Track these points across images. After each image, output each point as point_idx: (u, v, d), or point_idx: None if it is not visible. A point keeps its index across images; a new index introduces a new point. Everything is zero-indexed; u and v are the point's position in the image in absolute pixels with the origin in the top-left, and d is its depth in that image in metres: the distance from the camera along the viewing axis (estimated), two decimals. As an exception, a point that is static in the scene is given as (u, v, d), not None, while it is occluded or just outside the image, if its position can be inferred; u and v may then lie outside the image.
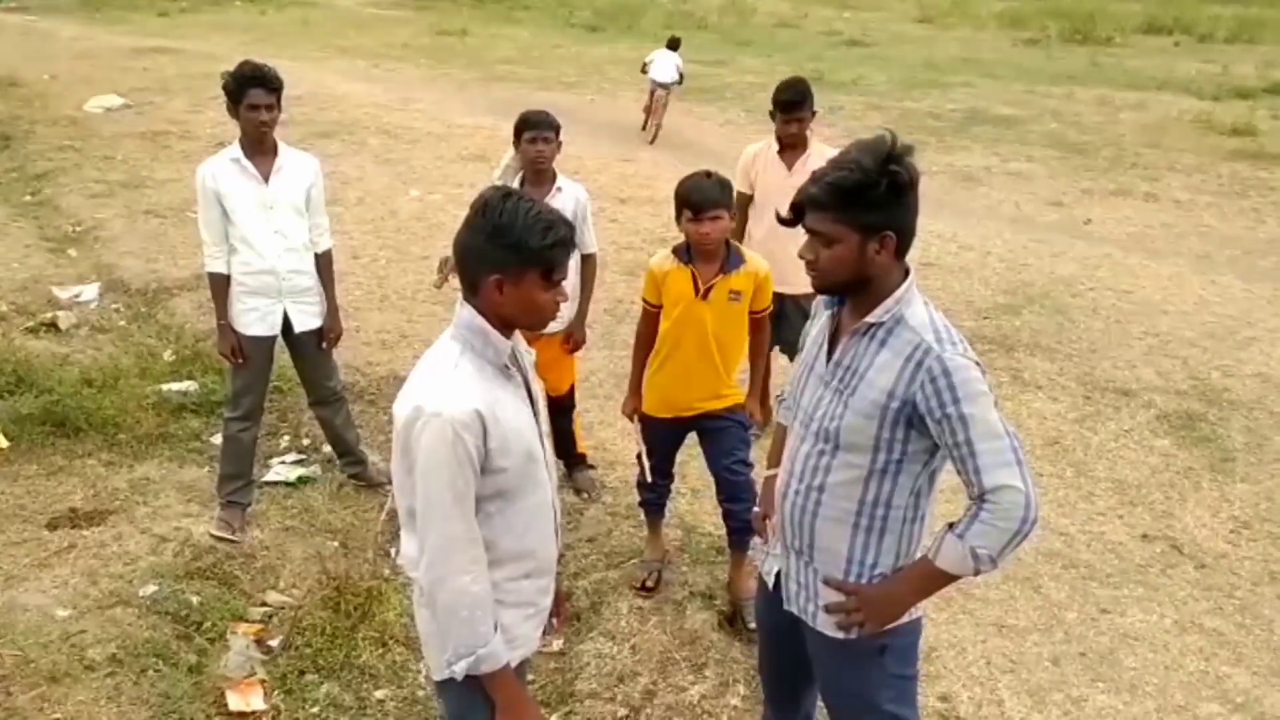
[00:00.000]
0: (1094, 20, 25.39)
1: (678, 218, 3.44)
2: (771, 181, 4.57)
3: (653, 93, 13.12)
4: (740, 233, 4.67)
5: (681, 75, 13.23)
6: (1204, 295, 7.37)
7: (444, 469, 1.94)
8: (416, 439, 1.94)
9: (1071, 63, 20.22)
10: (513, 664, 2.15)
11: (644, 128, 13.22)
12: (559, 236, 1.99)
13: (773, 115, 4.61)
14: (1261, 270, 8.34)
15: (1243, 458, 5.04)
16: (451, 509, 1.96)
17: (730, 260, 3.46)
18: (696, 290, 3.45)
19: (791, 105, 4.53)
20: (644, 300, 3.67)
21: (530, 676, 3.23)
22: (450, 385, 1.97)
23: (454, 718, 2.32)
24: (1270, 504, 4.65)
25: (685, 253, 3.49)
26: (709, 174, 3.40)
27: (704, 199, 3.33)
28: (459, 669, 2.04)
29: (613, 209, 8.75)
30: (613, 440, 4.94)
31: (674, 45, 13.58)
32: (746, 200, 4.68)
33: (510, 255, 1.97)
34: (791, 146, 4.61)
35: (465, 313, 2.04)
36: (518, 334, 2.15)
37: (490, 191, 2.04)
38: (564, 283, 2.08)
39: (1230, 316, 6.92)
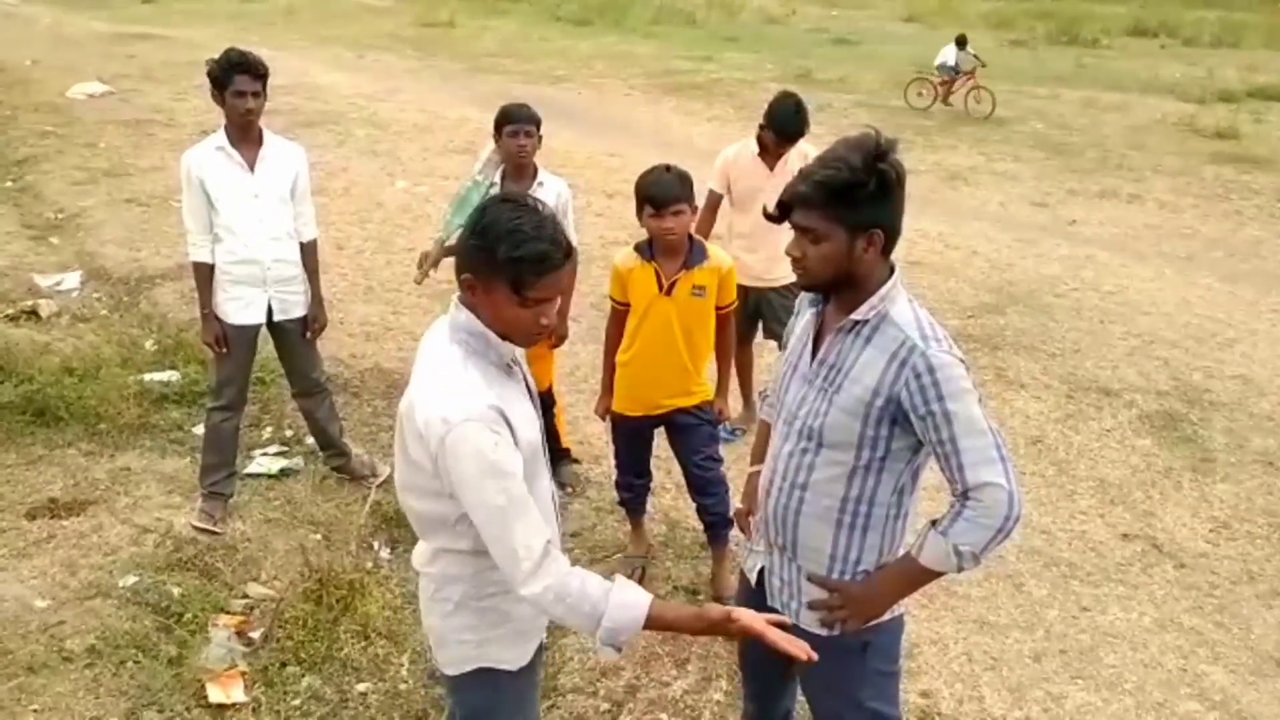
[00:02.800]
0: (1080, 22, 25.57)
1: (639, 213, 3.42)
2: (753, 182, 4.54)
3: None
4: (706, 231, 4.67)
5: (950, 64, 15.53)
6: (1186, 297, 7.42)
7: (494, 475, 1.90)
8: (454, 451, 1.89)
9: (1058, 64, 20.32)
10: (524, 659, 2.21)
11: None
12: (529, 251, 1.90)
13: (763, 128, 4.52)
14: (1243, 272, 8.41)
15: (1223, 458, 5.08)
16: (505, 516, 1.91)
17: (693, 255, 3.45)
18: (660, 286, 3.45)
19: (795, 137, 4.46)
20: (611, 299, 3.67)
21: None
22: (467, 388, 1.95)
23: (474, 713, 2.31)
24: (1249, 504, 4.69)
25: (648, 249, 3.48)
26: (668, 168, 3.39)
27: (665, 194, 3.32)
28: (614, 651, 1.97)
29: (599, 203, 8.74)
30: (597, 435, 4.93)
31: (959, 42, 15.79)
32: (718, 200, 4.67)
33: (480, 258, 1.94)
34: (774, 154, 4.56)
35: (462, 317, 2.02)
36: None
37: (501, 194, 2.00)
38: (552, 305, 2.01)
39: (1212, 318, 6.98)
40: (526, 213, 1.94)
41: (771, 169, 4.53)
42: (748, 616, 1.92)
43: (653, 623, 1.95)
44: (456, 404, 1.92)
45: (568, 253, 1.97)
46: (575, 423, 5.01)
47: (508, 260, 1.91)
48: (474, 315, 2.00)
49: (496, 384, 2.00)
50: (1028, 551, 4.21)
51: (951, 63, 15.62)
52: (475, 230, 1.96)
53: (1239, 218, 10.23)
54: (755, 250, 4.48)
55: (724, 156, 4.72)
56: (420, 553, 2.20)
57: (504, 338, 2.05)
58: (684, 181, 3.37)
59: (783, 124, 4.44)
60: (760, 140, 4.59)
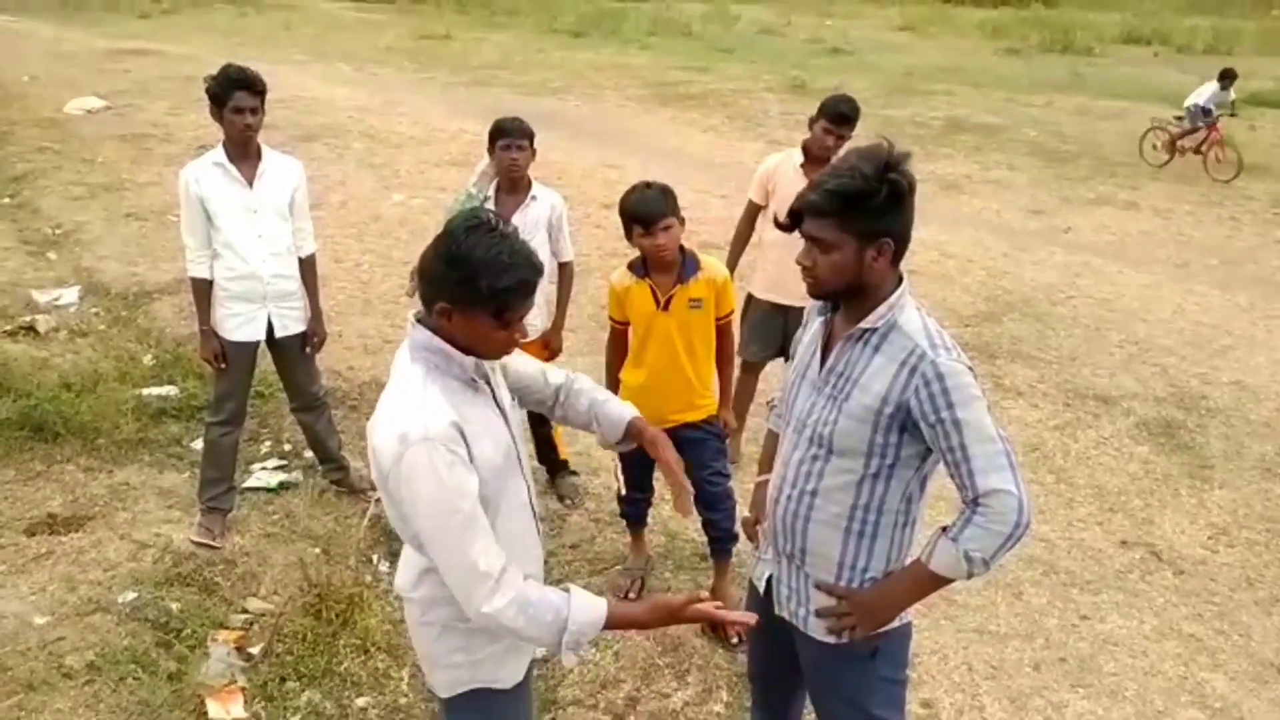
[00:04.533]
0: (1074, 30, 25.68)
1: (628, 235, 3.41)
2: (794, 192, 4.44)
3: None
4: (744, 241, 4.66)
5: (1204, 106, 12.59)
6: (1182, 303, 7.44)
7: (447, 495, 1.89)
8: (409, 471, 1.89)
9: (1052, 72, 20.39)
10: (517, 677, 2.21)
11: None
12: (515, 280, 1.91)
13: (812, 123, 4.43)
14: (1239, 279, 8.43)
15: (1220, 465, 5.09)
16: (462, 535, 1.91)
17: (686, 268, 3.45)
18: (657, 303, 3.46)
19: (844, 119, 4.35)
20: (610, 319, 3.67)
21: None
22: (425, 405, 1.94)
23: None
24: (1248, 511, 4.70)
25: (641, 267, 3.48)
26: (649, 185, 3.39)
27: (652, 211, 3.32)
28: (575, 658, 2.01)
29: (598, 215, 8.74)
30: (595, 446, 4.91)
31: (1224, 77, 12.97)
32: (756, 210, 4.61)
33: (460, 290, 1.91)
34: (818, 160, 4.37)
35: (421, 335, 2.00)
36: None
37: (460, 218, 1.95)
38: (525, 320, 2.02)
39: (1208, 325, 7.00)
40: (500, 239, 1.92)
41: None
42: (705, 602, 2.02)
43: (613, 622, 2.00)
44: (415, 421, 1.91)
45: (541, 270, 1.98)
46: (574, 434, 5.00)
47: (492, 292, 1.90)
48: (433, 333, 1.99)
49: (458, 401, 1.98)
50: (1027, 560, 4.21)
51: (1206, 105, 12.60)
52: (450, 259, 1.91)
53: (1234, 224, 10.27)
54: (783, 270, 4.41)
55: (764, 167, 4.62)
56: (404, 577, 2.17)
57: (478, 356, 2.04)
58: (668, 195, 3.37)
59: (834, 104, 4.37)
60: (805, 148, 4.46)
